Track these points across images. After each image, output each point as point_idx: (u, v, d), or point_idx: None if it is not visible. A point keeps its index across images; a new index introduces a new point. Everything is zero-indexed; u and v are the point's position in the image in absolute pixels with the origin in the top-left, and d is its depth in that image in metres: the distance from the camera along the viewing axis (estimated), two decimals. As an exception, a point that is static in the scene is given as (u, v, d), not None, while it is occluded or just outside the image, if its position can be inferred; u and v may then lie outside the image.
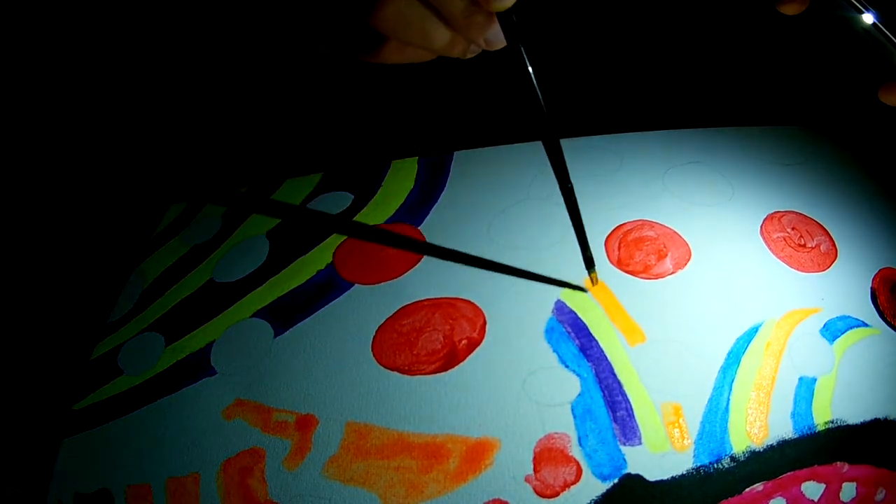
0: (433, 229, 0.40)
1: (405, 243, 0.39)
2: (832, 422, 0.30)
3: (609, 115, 0.47)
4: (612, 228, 0.39)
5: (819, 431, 0.30)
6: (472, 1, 0.24)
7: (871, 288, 0.36)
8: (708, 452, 0.30)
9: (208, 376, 0.34)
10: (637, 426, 0.30)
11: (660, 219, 0.40)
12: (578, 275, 0.36)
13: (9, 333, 0.37)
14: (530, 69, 0.26)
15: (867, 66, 0.28)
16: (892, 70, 0.27)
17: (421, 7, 0.25)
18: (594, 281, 0.35)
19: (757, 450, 0.30)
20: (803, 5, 0.28)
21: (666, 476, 0.29)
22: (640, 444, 0.30)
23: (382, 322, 0.35)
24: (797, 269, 0.37)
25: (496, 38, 0.26)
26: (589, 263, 0.34)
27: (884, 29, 0.26)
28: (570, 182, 0.29)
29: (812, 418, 0.31)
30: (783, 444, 0.30)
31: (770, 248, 0.38)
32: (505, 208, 0.41)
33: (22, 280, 0.40)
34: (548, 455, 0.30)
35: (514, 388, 0.32)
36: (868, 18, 0.26)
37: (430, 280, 0.37)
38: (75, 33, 0.47)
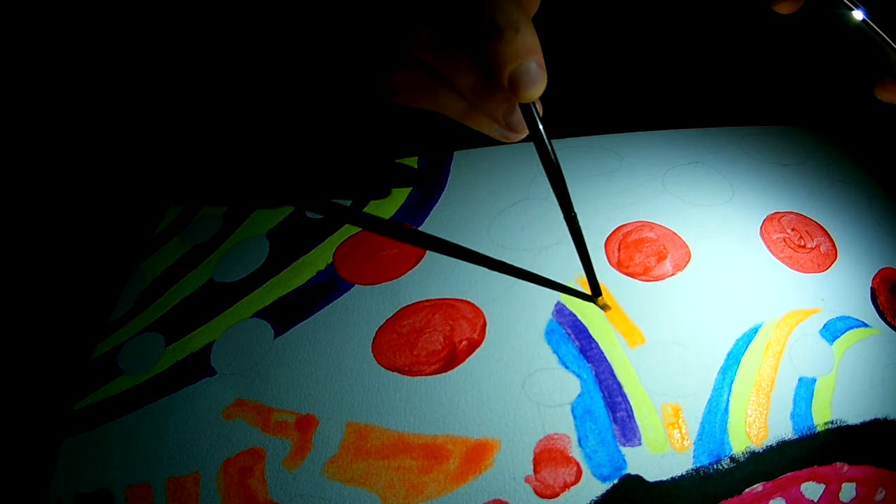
0: (433, 230, 0.40)
1: (405, 244, 0.39)
2: (832, 422, 0.30)
3: (609, 115, 0.47)
4: (612, 230, 0.39)
5: (819, 432, 0.30)
6: (485, 78, 0.24)
7: (871, 288, 0.36)
8: (707, 453, 0.30)
9: (208, 376, 0.34)
10: (637, 427, 0.30)
11: (659, 220, 0.40)
12: (578, 274, 0.36)
13: (9, 333, 0.37)
14: (550, 147, 0.27)
15: (863, 63, 0.28)
16: (887, 67, 0.27)
17: (430, 77, 0.25)
18: (602, 306, 0.35)
19: (756, 450, 0.30)
20: (797, 4, 0.28)
21: (666, 477, 0.29)
22: (640, 444, 0.30)
23: (382, 323, 0.35)
24: (797, 270, 0.37)
25: (518, 122, 0.26)
26: (595, 291, 0.34)
27: (874, 25, 0.26)
28: (573, 211, 0.29)
29: (812, 419, 0.31)
30: (783, 445, 0.30)
31: (770, 249, 0.38)
32: (505, 208, 0.41)
33: (22, 279, 0.40)
34: (548, 456, 0.30)
35: (515, 389, 0.32)
36: (858, 15, 0.26)
37: (430, 281, 0.37)
38: (75, 33, 0.47)
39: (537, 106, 0.25)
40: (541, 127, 0.26)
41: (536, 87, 0.23)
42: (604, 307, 0.35)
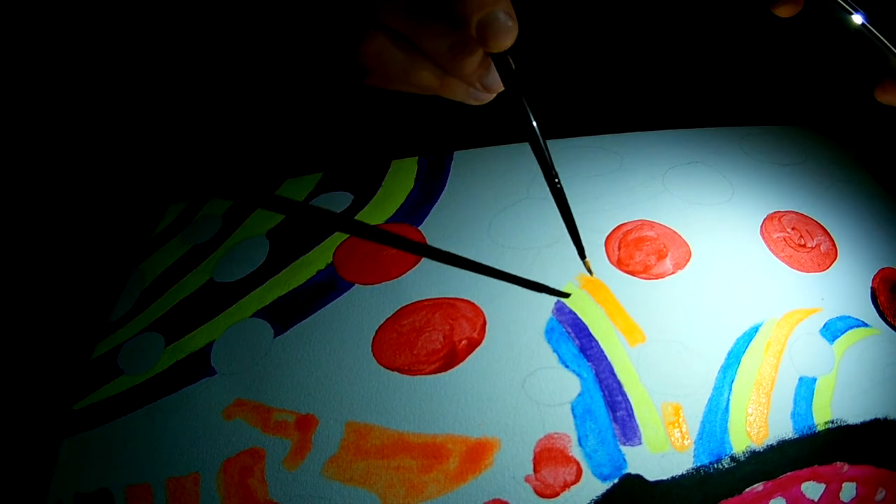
0: (433, 229, 0.40)
1: (405, 243, 0.39)
2: (832, 422, 0.30)
3: (609, 115, 0.47)
4: (612, 228, 0.39)
5: (819, 431, 0.30)
6: (461, 41, 0.24)
7: (871, 288, 0.36)
8: (708, 452, 0.30)
9: (208, 376, 0.34)
10: (637, 426, 0.30)
11: (660, 219, 0.40)
12: (578, 273, 0.36)
13: (9, 333, 0.37)
14: (531, 115, 0.26)
15: (863, 65, 0.29)
16: (887, 69, 0.27)
17: (401, 48, 0.24)
18: (589, 269, 0.34)
19: (757, 450, 0.30)
20: (797, 7, 0.28)
21: (666, 476, 0.29)
22: (640, 444, 0.30)
23: (382, 322, 0.35)
24: (797, 269, 0.37)
25: (494, 82, 0.26)
26: (581, 252, 0.33)
27: (873, 29, 0.26)
28: (556, 175, 0.28)
29: (812, 418, 0.31)
30: (783, 444, 0.30)
31: (770, 248, 0.38)
32: (505, 208, 0.41)
33: (22, 280, 0.40)
34: (548, 455, 0.30)
35: (515, 389, 0.32)
36: (857, 19, 0.26)
37: (430, 280, 0.37)
38: (75, 33, 0.47)
39: (510, 62, 0.25)
40: (516, 81, 0.25)
41: (506, 35, 0.22)
42: (590, 270, 0.34)
